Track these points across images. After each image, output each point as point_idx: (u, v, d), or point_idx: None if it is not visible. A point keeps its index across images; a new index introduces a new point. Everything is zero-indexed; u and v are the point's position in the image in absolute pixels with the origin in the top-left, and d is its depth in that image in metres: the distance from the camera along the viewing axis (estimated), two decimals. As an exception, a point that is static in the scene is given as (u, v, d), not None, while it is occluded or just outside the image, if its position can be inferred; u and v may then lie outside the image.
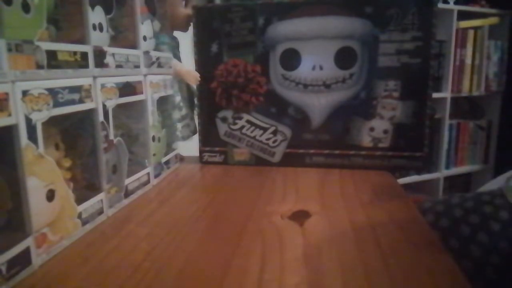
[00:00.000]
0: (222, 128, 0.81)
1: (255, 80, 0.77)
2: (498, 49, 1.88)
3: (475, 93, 1.86)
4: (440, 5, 1.67)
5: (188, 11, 0.80)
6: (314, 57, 0.74)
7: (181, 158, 0.83)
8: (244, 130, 0.80)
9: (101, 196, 0.52)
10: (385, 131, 0.75)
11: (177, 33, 0.84)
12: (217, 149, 0.82)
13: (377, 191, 0.63)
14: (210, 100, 0.80)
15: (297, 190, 0.65)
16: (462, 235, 0.60)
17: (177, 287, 0.37)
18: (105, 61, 0.52)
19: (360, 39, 0.72)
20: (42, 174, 0.40)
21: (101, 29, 0.51)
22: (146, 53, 0.63)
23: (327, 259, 0.42)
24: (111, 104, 0.53)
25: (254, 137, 0.80)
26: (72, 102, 0.45)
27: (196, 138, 0.84)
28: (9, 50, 0.36)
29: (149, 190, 0.65)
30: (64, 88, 0.43)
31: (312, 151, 0.78)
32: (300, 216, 0.53)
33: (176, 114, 0.80)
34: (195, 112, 0.83)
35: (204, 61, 0.79)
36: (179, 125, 0.81)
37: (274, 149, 0.79)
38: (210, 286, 0.37)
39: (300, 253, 0.43)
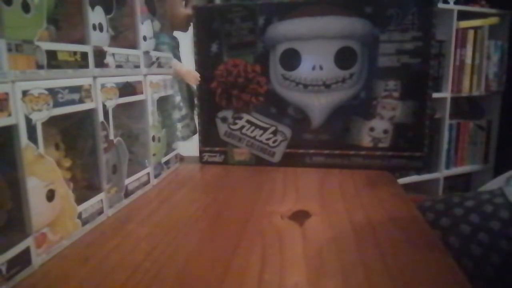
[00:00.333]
0: (222, 128, 0.81)
1: (255, 80, 0.77)
2: (498, 49, 1.88)
3: (475, 93, 1.86)
4: (440, 5, 1.68)
5: (188, 11, 0.80)
6: (314, 57, 0.74)
7: (181, 158, 0.83)
8: (244, 130, 0.80)
9: (101, 196, 0.52)
10: (385, 131, 0.75)
11: (177, 33, 0.84)
12: (217, 149, 0.82)
13: (377, 191, 0.63)
14: (210, 100, 0.80)
15: (297, 190, 0.65)
16: (462, 234, 0.60)
17: (177, 287, 0.37)
18: (105, 61, 0.52)
19: (360, 39, 0.72)
20: (42, 174, 0.40)
21: (101, 29, 0.51)
22: (146, 53, 0.63)
23: (327, 259, 0.42)
24: (111, 104, 0.53)
25: (254, 137, 0.80)
26: (72, 102, 0.45)
27: (196, 138, 0.84)
28: (9, 50, 0.36)
29: (149, 190, 0.65)
30: (64, 88, 0.43)
31: (312, 151, 0.78)
32: (300, 216, 0.53)
33: (176, 114, 0.80)
34: (195, 112, 0.83)
35: (204, 61, 0.79)
36: (179, 125, 0.81)
37: (274, 149, 0.79)
38: (210, 286, 0.37)
39: (300, 253, 0.43)
